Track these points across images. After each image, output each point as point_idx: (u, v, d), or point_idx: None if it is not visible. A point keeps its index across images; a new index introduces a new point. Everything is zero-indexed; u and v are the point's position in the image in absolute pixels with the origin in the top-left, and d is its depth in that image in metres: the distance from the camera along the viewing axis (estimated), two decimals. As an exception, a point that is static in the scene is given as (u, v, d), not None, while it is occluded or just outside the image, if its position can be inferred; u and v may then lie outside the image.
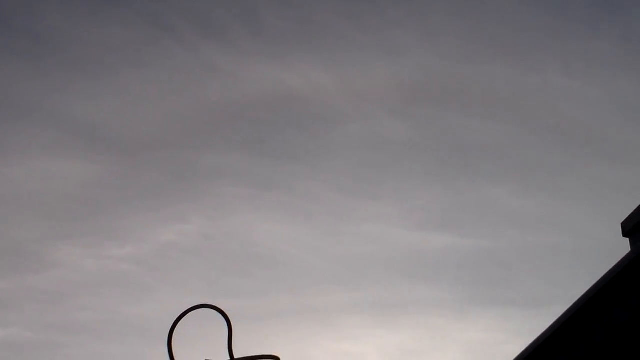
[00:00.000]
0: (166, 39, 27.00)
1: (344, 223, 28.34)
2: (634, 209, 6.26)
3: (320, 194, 28.02)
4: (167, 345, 4.56)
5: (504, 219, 27.39)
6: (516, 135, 26.55)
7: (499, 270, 27.17)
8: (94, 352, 27.49)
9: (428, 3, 25.93)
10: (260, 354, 4.47)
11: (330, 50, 26.96)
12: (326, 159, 28.04)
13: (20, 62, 26.92)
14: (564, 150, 26.10)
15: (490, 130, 26.70)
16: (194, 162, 27.96)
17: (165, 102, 27.48)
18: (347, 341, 27.00)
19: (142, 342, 28.08)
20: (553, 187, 26.33)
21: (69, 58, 27.10)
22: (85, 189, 27.59)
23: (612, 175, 25.53)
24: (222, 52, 26.89)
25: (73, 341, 28.43)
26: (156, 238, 28.51)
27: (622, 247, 6.32)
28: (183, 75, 27.07)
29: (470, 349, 26.21)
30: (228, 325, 4.53)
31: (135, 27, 26.65)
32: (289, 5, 26.35)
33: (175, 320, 4.56)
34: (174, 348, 4.57)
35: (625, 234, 6.31)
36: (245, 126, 28.07)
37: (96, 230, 28.47)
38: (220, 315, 4.58)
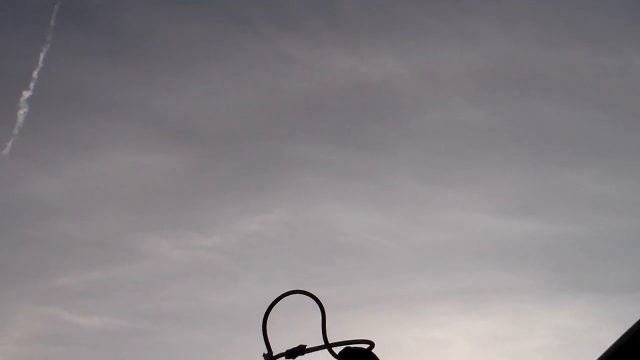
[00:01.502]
0: (243, 31, 27.27)
1: (426, 210, 28.28)
2: None
3: (401, 182, 28.01)
4: (262, 331, 4.66)
5: (588, 204, 26.99)
6: (597, 118, 26.12)
7: (585, 256, 26.80)
8: (183, 339, 28.04)
9: (506, -13, 25.67)
10: (355, 338, 4.56)
11: (406, 38, 26.89)
12: (405, 147, 28.00)
13: (102, 59, 27.51)
14: (648, 132, 25.58)
15: (571, 115, 26.33)
16: (276, 153, 28.22)
17: (245, 94, 27.78)
18: (434, 328, 26.99)
19: (230, 330, 28.51)
20: (637, 170, 25.84)
21: (149, 53, 27.59)
22: (170, 181, 28.10)
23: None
24: (299, 43, 27.04)
25: (163, 329, 29.02)
26: (241, 228, 28.90)
27: None
28: (261, 67, 27.33)
29: (559, 335, 25.94)
30: (321, 310, 4.61)
31: (213, 21, 26.99)
32: (365, -5, 26.37)
33: (269, 307, 4.67)
34: (268, 334, 4.67)
35: None
36: (324, 116, 28.21)
37: (183, 222, 28.98)
38: (313, 301, 4.67)
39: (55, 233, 28.63)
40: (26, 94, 24.19)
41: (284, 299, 4.70)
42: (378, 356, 4.61)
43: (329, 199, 28.50)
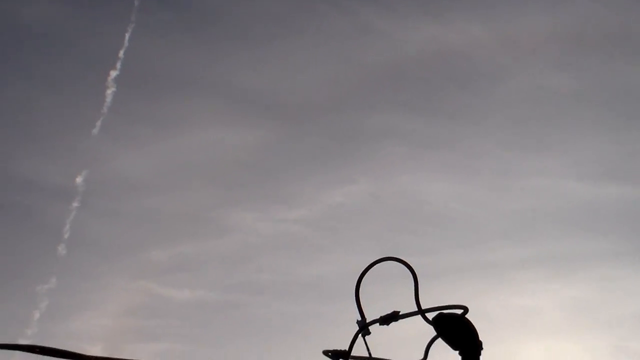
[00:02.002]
0: (323, 4, 27.26)
1: (512, 178, 27.99)
2: None
3: (486, 149, 27.75)
4: (355, 298, 4.72)
5: (679, 167, 26.33)
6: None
7: (677, 220, 26.18)
8: (273, 311, 28.38)
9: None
10: (448, 304, 4.58)
11: (489, 4, 26.53)
12: (490, 115, 27.71)
13: (186, 36, 27.84)
14: None
15: (661, 75, 25.64)
16: (359, 124, 28.23)
17: (327, 67, 27.81)
18: (522, 295, 26.78)
19: (318, 301, 28.74)
20: None
21: (231, 29, 27.81)
22: (255, 156, 28.37)
23: None
24: (380, 13, 26.91)
25: (253, 301, 29.42)
26: (325, 200, 29.05)
27: None
28: (342, 39, 27.30)
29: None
30: (414, 276, 4.65)
31: (294, -6, 27.03)
32: (445, -39, 26.06)
33: (362, 274, 4.72)
34: (361, 301, 4.72)
35: None
36: (406, 86, 28.07)
37: (268, 195, 29.28)
38: (405, 268, 4.70)
39: (145, 209, 29.23)
40: (113, 74, 24.66)
41: (376, 265, 4.75)
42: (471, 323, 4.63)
43: (413, 168, 28.44)
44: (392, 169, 28.60)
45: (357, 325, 4.69)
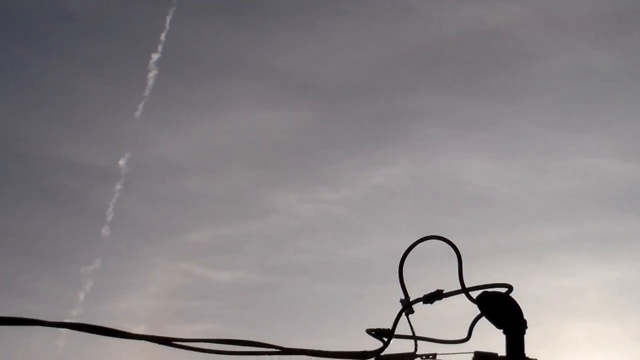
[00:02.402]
0: (364, -16, 27.16)
1: (552, 158, 27.75)
2: None
3: (526, 129, 27.52)
4: (399, 276, 4.72)
5: None
6: None
7: None
8: (313, 292, 28.47)
9: None
10: (492, 282, 4.57)
11: (530, -18, 26.25)
12: (530, 95, 27.46)
13: (226, 19, 27.90)
14: None
15: None
16: (399, 105, 28.14)
17: (367, 47, 27.73)
18: (563, 277, 26.60)
19: (358, 282, 28.78)
20: None
21: (272, 11, 27.81)
22: (296, 137, 28.41)
23: None
24: (421, -7, 26.75)
25: (293, 282, 29.53)
26: (366, 181, 29.03)
27: None
28: (382, 19, 27.18)
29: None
30: (457, 255, 4.64)
31: (333, -25, 26.97)
32: (486, -60, 25.83)
33: (405, 252, 4.72)
34: (405, 279, 4.72)
35: None
36: (446, 66, 27.89)
37: (309, 176, 29.33)
38: (448, 247, 4.70)
39: (187, 191, 29.41)
40: (155, 57, 24.79)
41: (419, 245, 4.74)
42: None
43: (453, 149, 28.29)
44: (432, 150, 28.48)
45: (400, 304, 4.70)
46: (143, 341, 4.36)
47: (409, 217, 28.07)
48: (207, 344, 4.41)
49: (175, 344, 4.38)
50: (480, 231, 26.76)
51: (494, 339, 4.67)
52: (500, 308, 4.56)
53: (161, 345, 4.37)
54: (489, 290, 4.61)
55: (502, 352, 4.58)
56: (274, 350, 4.46)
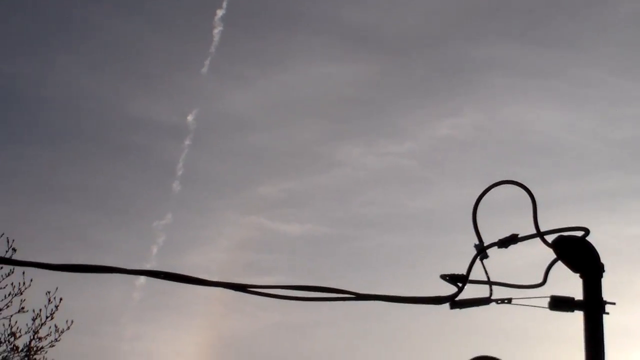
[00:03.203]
0: None
1: (622, 106, 27.19)
2: None
3: (594, 77, 26.97)
4: (473, 221, 4.68)
5: None
6: None
7: None
8: (380, 243, 28.53)
9: None
10: (567, 226, 4.50)
11: None
12: (600, 42, 26.87)
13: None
14: None
15: None
16: (464, 56, 27.77)
17: (432, -2, 27.38)
18: (634, 225, 26.19)
19: (425, 233, 28.74)
20: None
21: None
22: (361, 90, 28.29)
23: None
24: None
25: (361, 234, 29.61)
26: (432, 133, 28.82)
27: None
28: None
29: None
30: (532, 199, 4.58)
31: None
32: None
33: (479, 197, 4.67)
34: (479, 225, 4.68)
35: None
36: (514, 15, 27.42)
37: (374, 129, 29.23)
38: (522, 191, 4.63)
39: (254, 145, 29.58)
40: (220, 13, 24.81)
41: (493, 191, 4.69)
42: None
43: (520, 99, 27.88)
44: (499, 99, 28.10)
45: (474, 249, 4.66)
46: (217, 292, 4.41)
47: (475, 168, 27.84)
48: (282, 290, 4.44)
49: (251, 291, 4.42)
50: (549, 181, 26.42)
51: (570, 284, 4.62)
52: (577, 252, 4.49)
53: (236, 295, 4.42)
54: (565, 234, 4.54)
55: (578, 296, 4.52)
56: (348, 296, 4.48)
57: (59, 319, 15.58)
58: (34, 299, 15.45)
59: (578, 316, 4.53)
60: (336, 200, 29.55)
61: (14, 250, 14.77)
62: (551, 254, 4.62)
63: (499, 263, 4.76)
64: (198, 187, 29.32)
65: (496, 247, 4.66)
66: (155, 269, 4.44)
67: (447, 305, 4.60)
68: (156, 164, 29.66)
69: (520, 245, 4.71)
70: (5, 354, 15.30)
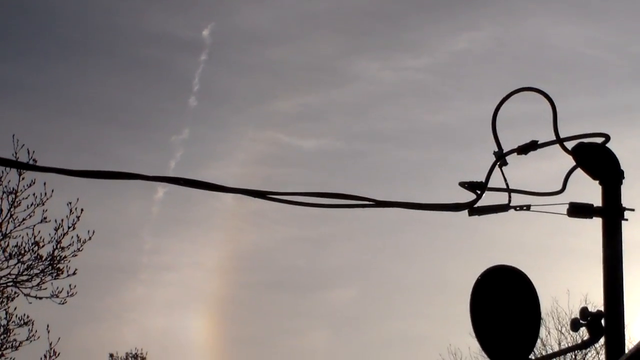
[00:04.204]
0: None
1: (644, 18, 26.76)
2: None
3: (619, -12, 26.49)
4: (492, 128, 4.65)
5: None
6: None
7: None
8: (396, 158, 28.55)
9: None
10: (588, 132, 4.47)
11: None
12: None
13: None
14: None
15: None
16: (484, -33, 27.28)
17: None
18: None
19: (442, 147, 28.69)
20: None
21: None
22: (377, 3, 27.93)
23: None
24: None
25: (377, 149, 29.60)
26: (449, 47, 28.56)
27: None
28: None
29: None
30: (552, 105, 4.54)
31: None
32: None
33: (499, 104, 4.64)
34: (498, 132, 4.65)
35: None
36: None
37: (391, 43, 28.98)
38: (542, 98, 4.59)
39: (270, 60, 29.42)
40: None
41: (514, 96, 4.64)
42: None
43: (539, 12, 27.51)
44: (518, 13, 27.75)
45: (493, 156, 4.63)
46: (234, 206, 4.43)
47: (493, 83, 27.64)
48: (302, 197, 4.44)
49: (271, 198, 4.42)
50: (568, 95, 26.23)
51: (589, 191, 4.61)
52: (597, 158, 4.46)
53: (253, 209, 4.43)
54: (585, 140, 4.51)
55: (597, 203, 4.51)
56: (368, 202, 4.48)
57: (81, 230, 15.86)
58: (56, 210, 15.71)
59: (597, 227, 4.52)
60: (353, 115, 29.49)
61: (35, 161, 14.85)
62: (570, 162, 4.59)
63: (518, 172, 4.74)
64: (214, 103, 29.31)
65: (515, 153, 4.63)
66: (175, 176, 4.44)
67: (465, 213, 4.60)
68: (172, 79, 29.62)
69: (539, 153, 4.68)
70: (30, 262, 15.62)
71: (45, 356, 16.06)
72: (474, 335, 4.53)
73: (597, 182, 4.53)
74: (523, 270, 4.56)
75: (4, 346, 15.92)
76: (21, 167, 4.60)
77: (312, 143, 29.97)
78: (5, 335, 15.90)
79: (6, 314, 15.88)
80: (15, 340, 15.90)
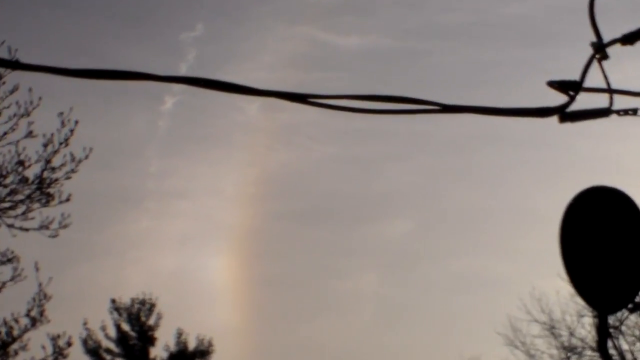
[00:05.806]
0: None
1: None
2: None
3: None
4: (589, 13, 3.80)
5: None
6: None
7: None
8: (463, 58, 26.31)
9: None
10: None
11: None
12: None
13: None
14: None
15: None
16: None
17: None
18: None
19: (521, 44, 26.77)
20: None
21: None
22: None
23: None
24: None
25: (437, 47, 27.44)
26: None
27: None
28: None
29: None
30: None
31: None
32: None
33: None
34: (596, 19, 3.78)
35: None
36: None
37: None
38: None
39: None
40: None
41: None
42: None
43: None
44: None
45: (591, 48, 3.81)
46: (260, 120, 3.57)
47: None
48: (350, 101, 3.61)
49: (312, 102, 3.61)
50: None
51: None
52: None
53: (283, 122, 3.58)
54: None
55: None
56: (433, 107, 3.66)
57: (75, 147, 13.67)
58: (45, 123, 13.54)
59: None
60: (406, 6, 27.53)
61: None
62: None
63: (622, 69, 3.88)
64: (234, -9, 27.55)
65: (619, 44, 3.83)
66: (193, 76, 3.64)
67: (555, 120, 3.79)
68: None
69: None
70: (14, 185, 13.40)
71: (34, 299, 14.28)
72: (563, 276, 3.70)
73: None
74: (627, 192, 3.77)
75: (-17, 287, 13.40)
76: (1, 64, 3.73)
77: (355, 40, 28.23)
78: (-16, 275, 13.38)
79: (-15, 248, 13.29)
80: (-4, 280, 13.42)
